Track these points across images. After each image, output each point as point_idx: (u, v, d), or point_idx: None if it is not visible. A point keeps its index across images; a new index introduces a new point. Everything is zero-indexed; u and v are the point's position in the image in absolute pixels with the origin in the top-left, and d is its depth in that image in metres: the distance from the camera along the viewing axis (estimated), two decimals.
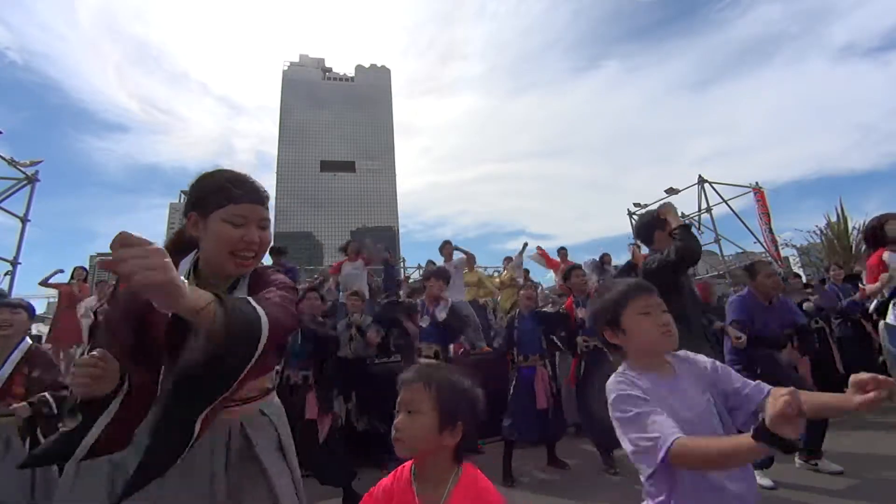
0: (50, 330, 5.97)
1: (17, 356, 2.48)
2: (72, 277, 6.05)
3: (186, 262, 1.16)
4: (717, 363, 1.23)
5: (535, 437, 3.66)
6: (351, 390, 4.03)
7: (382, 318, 4.02)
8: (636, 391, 1.11)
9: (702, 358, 1.24)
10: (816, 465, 3.14)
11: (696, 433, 1.03)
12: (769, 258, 10.34)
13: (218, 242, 1.09)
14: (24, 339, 2.57)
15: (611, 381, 1.19)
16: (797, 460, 3.21)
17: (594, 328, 1.36)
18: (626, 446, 1.06)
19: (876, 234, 3.29)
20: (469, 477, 1.01)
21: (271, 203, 1.28)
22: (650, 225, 2.83)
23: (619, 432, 1.10)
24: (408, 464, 1.07)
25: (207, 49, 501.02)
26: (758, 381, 1.16)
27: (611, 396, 1.15)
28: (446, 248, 6.67)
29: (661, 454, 0.97)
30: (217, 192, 1.10)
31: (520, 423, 3.54)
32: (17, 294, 6.88)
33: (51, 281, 5.84)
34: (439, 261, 6.82)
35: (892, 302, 3.02)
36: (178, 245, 1.17)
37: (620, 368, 1.23)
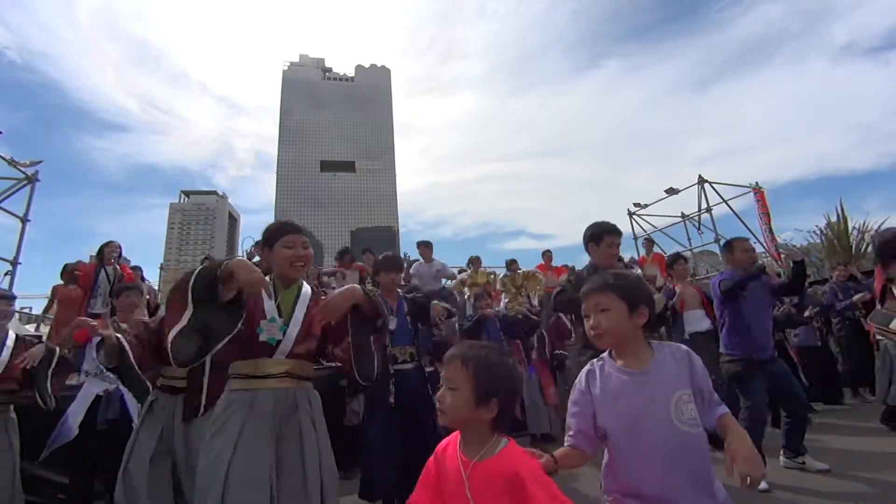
0: (50, 331, 5.95)
1: (10, 342, 2.78)
2: (62, 276, 5.94)
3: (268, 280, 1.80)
4: (697, 361, 1.27)
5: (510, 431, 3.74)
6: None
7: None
8: (577, 394, 1.33)
9: (683, 351, 1.28)
10: (803, 463, 3.14)
11: (634, 428, 1.19)
12: (769, 258, 10.34)
13: (281, 259, 1.83)
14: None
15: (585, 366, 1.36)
16: (782, 459, 3.21)
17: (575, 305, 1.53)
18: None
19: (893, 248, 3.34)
20: (509, 450, 1.11)
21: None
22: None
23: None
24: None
25: (207, 49, 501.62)
26: (718, 400, 1.27)
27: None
28: (422, 248, 6.68)
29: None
30: (276, 232, 1.86)
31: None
32: (16, 294, 6.87)
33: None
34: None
35: None
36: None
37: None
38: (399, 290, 3.26)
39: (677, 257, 4.74)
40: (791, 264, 3.32)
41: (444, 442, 1.22)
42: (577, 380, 1.35)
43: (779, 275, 8.42)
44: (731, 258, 3.44)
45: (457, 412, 1.12)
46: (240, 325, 1.63)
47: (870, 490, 2.82)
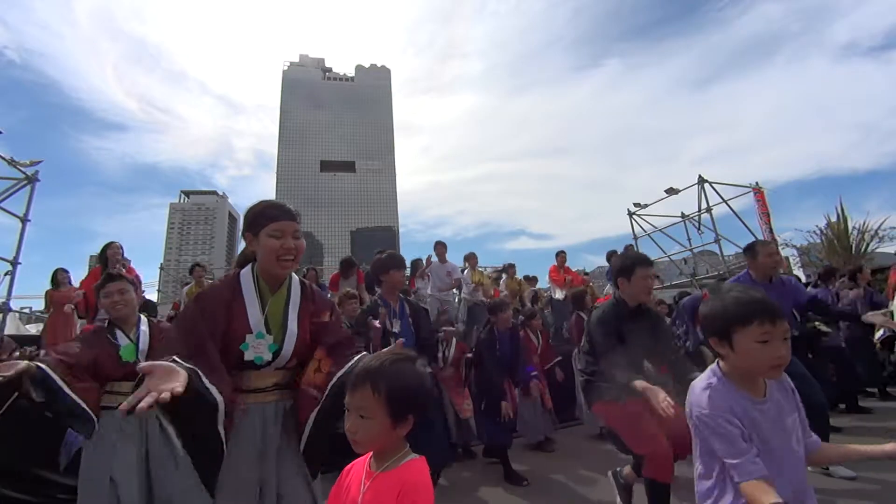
0: (44, 331, 5.97)
1: None
2: (56, 281, 5.95)
3: (248, 274, 1.57)
4: (795, 388, 1.28)
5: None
6: None
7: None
8: (731, 426, 1.14)
9: (786, 377, 1.26)
10: (828, 468, 3.06)
11: (780, 462, 1.15)
12: None
13: (267, 252, 1.50)
14: None
15: (703, 394, 1.20)
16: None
17: (697, 328, 1.38)
18: (724, 455, 1.14)
19: None
20: (414, 465, 1.05)
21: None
22: None
23: (716, 444, 1.15)
24: None
25: (206, 48, 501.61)
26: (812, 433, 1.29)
27: (704, 411, 1.17)
28: (438, 248, 6.78)
29: (737, 479, 1.11)
30: (260, 215, 1.52)
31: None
32: (17, 294, 6.88)
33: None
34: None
35: None
36: (243, 261, 1.62)
37: (714, 374, 1.23)
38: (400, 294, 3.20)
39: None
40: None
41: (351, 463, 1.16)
42: (712, 411, 1.17)
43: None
44: (753, 263, 3.26)
45: (372, 440, 1.04)
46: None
47: (870, 488, 2.83)
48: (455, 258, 7.20)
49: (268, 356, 1.49)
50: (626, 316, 2.48)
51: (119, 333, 2.32)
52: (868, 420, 4.49)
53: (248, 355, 1.47)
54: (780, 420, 1.19)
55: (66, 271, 6.11)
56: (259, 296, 1.54)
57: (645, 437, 2.28)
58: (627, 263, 2.49)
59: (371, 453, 1.09)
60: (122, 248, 5.60)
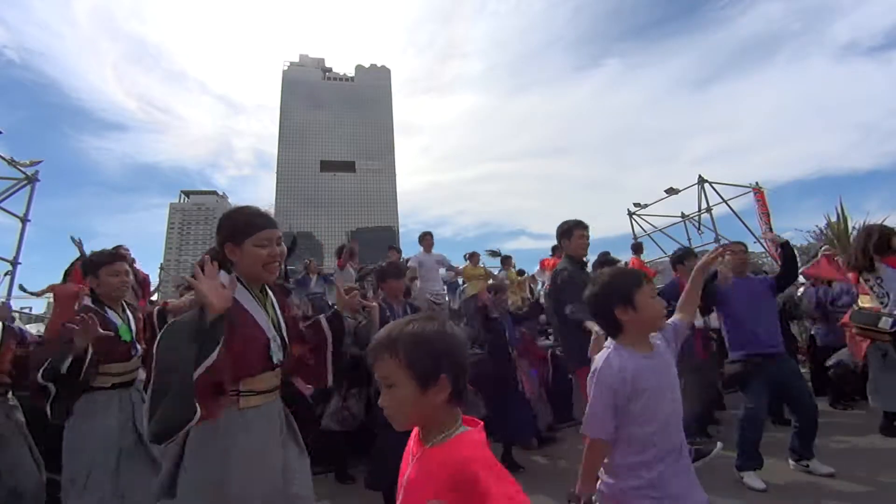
0: (46, 329, 5.97)
1: None
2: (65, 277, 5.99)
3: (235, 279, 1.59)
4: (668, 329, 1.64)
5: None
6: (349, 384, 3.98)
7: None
8: (614, 389, 1.47)
9: (666, 331, 1.63)
10: (808, 466, 3.13)
11: (667, 396, 1.49)
12: (769, 258, 10.35)
13: (254, 261, 1.54)
14: None
15: (603, 358, 1.53)
16: (790, 462, 3.19)
17: (596, 306, 1.61)
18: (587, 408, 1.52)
19: (881, 245, 3.30)
20: (466, 437, 0.93)
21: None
22: None
23: (591, 392, 1.52)
24: None
25: (206, 48, 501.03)
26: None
27: (596, 373, 1.52)
28: (426, 239, 6.79)
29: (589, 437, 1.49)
30: (246, 226, 1.55)
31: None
32: (16, 294, 6.88)
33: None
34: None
35: None
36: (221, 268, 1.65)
37: (610, 345, 1.57)
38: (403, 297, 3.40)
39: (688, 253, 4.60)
40: (778, 249, 3.41)
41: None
42: (603, 371, 1.54)
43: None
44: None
45: (404, 409, 0.94)
46: (218, 349, 1.32)
47: (866, 490, 2.83)
48: (456, 258, 7.23)
49: (280, 356, 1.58)
50: (579, 268, 3.21)
51: (111, 314, 2.33)
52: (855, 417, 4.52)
53: (275, 358, 1.55)
54: (665, 372, 1.53)
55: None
56: (255, 300, 1.60)
57: None
58: (565, 227, 3.24)
59: (418, 427, 1.00)
60: (128, 250, 5.65)
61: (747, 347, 3.15)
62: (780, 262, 3.43)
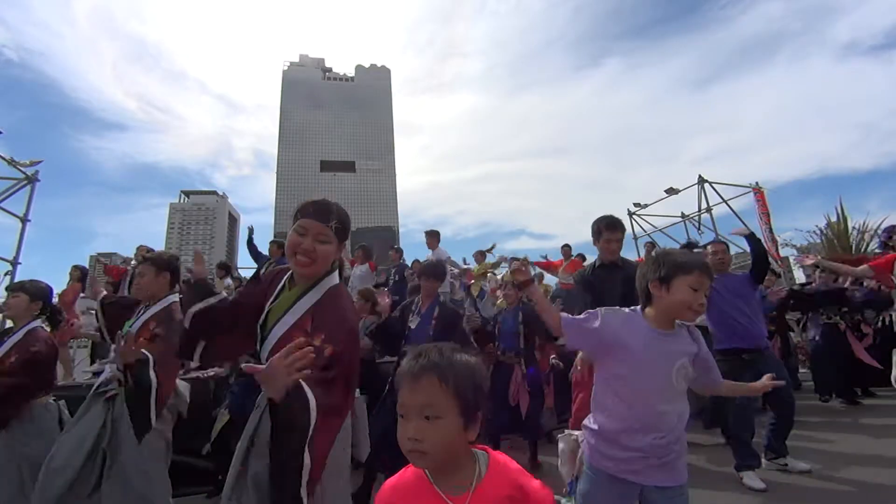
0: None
1: (18, 337, 2.45)
2: (70, 277, 6.04)
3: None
4: (702, 341, 1.55)
5: (505, 431, 3.70)
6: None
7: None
8: (593, 322, 1.50)
9: (697, 335, 1.55)
10: (786, 464, 3.14)
11: (656, 375, 1.43)
12: (769, 258, 10.36)
13: (288, 245, 1.42)
14: (29, 322, 2.53)
15: (617, 313, 1.53)
16: (763, 460, 3.18)
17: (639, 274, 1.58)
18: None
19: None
20: (499, 463, 0.88)
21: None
22: None
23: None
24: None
25: (205, 47, 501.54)
26: (714, 369, 1.58)
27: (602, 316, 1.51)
28: (429, 237, 6.74)
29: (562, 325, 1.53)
30: (296, 210, 1.45)
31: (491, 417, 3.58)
32: None
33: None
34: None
35: None
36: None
37: (634, 309, 1.56)
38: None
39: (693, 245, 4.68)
40: (746, 240, 3.47)
41: (384, 490, 0.91)
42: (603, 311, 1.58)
43: (778, 275, 8.45)
44: None
45: (444, 448, 0.82)
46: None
47: (848, 490, 2.83)
48: (456, 258, 7.20)
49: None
50: (600, 269, 3.00)
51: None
52: (839, 415, 4.58)
53: (256, 345, 1.46)
54: (671, 352, 1.46)
55: (81, 269, 6.10)
56: (281, 289, 1.48)
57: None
58: (595, 228, 2.95)
59: (417, 476, 0.88)
60: (151, 250, 5.74)
61: (734, 342, 3.15)
62: (752, 256, 3.46)
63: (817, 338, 5.46)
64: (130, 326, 2.34)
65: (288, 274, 1.51)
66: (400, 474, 0.92)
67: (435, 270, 3.46)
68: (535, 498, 0.84)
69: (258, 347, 1.45)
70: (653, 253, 1.65)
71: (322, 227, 1.41)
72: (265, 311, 1.45)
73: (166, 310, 2.35)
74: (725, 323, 3.23)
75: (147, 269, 2.44)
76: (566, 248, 7.85)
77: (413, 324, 3.25)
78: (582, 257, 7.59)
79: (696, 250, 4.83)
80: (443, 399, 0.83)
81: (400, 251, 7.13)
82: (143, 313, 2.37)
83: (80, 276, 6.16)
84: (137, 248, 5.74)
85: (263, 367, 1.15)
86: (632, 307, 1.57)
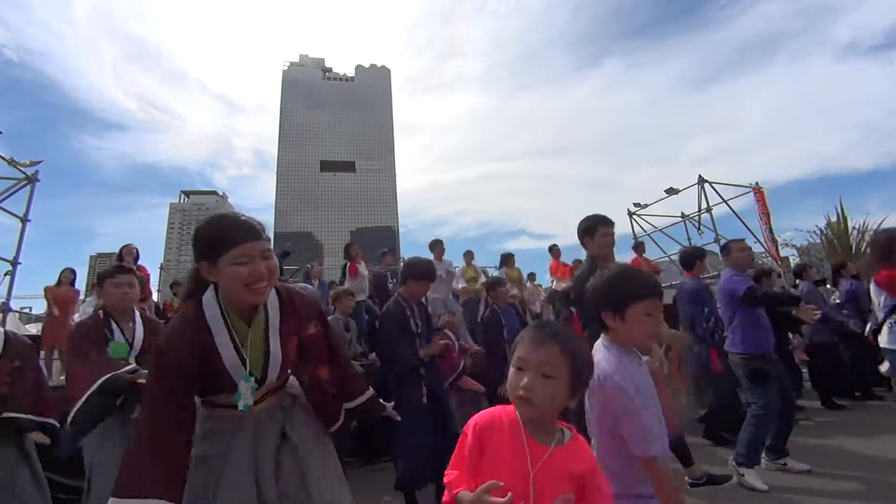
0: (43, 330, 6.01)
1: None
2: (59, 280, 6.04)
3: (213, 305, 1.32)
4: None
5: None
6: None
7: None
8: (632, 386, 1.24)
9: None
10: (785, 464, 3.15)
11: (660, 412, 1.27)
12: (769, 258, 10.34)
13: (233, 282, 1.24)
14: None
15: (606, 359, 1.30)
16: (763, 461, 3.19)
17: (589, 303, 1.42)
18: (633, 428, 1.21)
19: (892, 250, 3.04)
20: (578, 441, 1.03)
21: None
22: None
23: (625, 412, 1.23)
24: (509, 408, 1.04)
25: (205, 47, 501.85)
26: None
27: (612, 376, 1.26)
28: (437, 247, 6.66)
29: (649, 454, 1.20)
30: (219, 241, 1.24)
31: None
32: (17, 294, 6.87)
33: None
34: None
35: (886, 323, 2.93)
36: (197, 287, 1.36)
37: (606, 342, 1.37)
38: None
39: (700, 251, 4.57)
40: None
41: (483, 418, 1.05)
42: (619, 372, 1.28)
43: (778, 275, 8.45)
44: (729, 259, 3.53)
45: (549, 403, 0.98)
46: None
47: (848, 489, 2.82)
48: (456, 258, 7.20)
49: (250, 401, 1.32)
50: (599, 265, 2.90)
51: (115, 328, 2.30)
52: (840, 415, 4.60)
53: (241, 405, 1.29)
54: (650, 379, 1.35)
55: (73, 272, 6.16)
56: (231, 332, 1.31)
57: None
58: (589, 224, 2.79)
59: (516, 419, 1.01)
60: (137, 249, 5.68)
61: (764, 347, 3.21)
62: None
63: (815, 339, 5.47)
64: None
65: (215, 316, 1.31)
66: (494, 412, 1.05)
67: (429, 273, 3.29)
68: (603, 493, 0.99)
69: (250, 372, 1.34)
70: (598, 277, 1.43)
71: (261, 243, 1.27)
72: (237, 350, 1.31)
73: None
74: (759, 324, 3.25)
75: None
76: (555, 249, 8.01)
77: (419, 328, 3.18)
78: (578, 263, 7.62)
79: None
80: (560, 364, 0.98)
81: (393, 254, 7.07)
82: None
83: (72, 279, 6.16)
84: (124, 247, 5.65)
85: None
86: (601, 338, 1.40)
